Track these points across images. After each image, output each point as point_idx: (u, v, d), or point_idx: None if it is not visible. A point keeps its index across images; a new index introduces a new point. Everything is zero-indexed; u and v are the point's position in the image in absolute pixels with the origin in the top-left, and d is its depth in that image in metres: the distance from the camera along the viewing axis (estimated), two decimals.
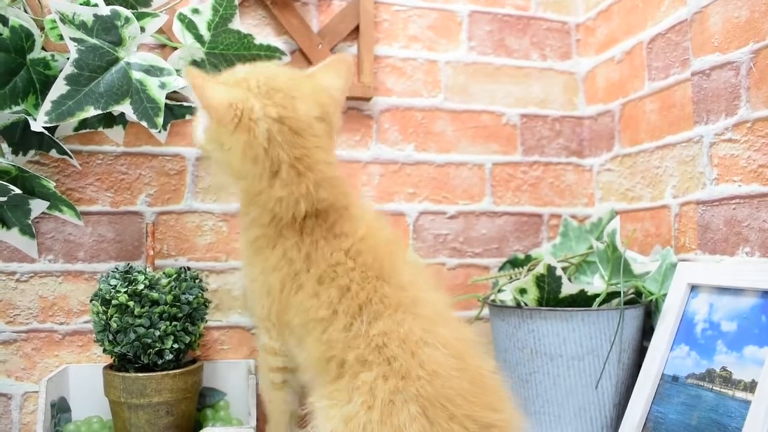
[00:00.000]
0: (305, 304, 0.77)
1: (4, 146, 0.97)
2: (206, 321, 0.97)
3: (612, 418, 0.97)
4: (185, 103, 1.01)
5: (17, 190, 0.87)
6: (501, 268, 1.21)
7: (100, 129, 1.03)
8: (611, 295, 0.97)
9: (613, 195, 1.23)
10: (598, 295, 0.97)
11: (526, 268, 1.06)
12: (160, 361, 0.90)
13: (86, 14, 0.87)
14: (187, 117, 1.03)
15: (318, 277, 0.76)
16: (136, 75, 0.90)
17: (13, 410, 1.01)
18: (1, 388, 1.01)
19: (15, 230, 0.98)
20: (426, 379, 0.67)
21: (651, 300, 1.01)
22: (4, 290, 1.02)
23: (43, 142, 0.98)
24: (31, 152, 0.99)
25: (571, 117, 1.31)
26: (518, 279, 1.01)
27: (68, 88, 0.86)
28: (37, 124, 0.85)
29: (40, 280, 1.03)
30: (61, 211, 0.98)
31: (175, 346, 0.90)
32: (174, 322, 0.90)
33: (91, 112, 0.87)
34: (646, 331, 1.02)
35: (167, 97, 1.00)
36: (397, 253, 0.79)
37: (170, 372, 0.90)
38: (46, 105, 0.85)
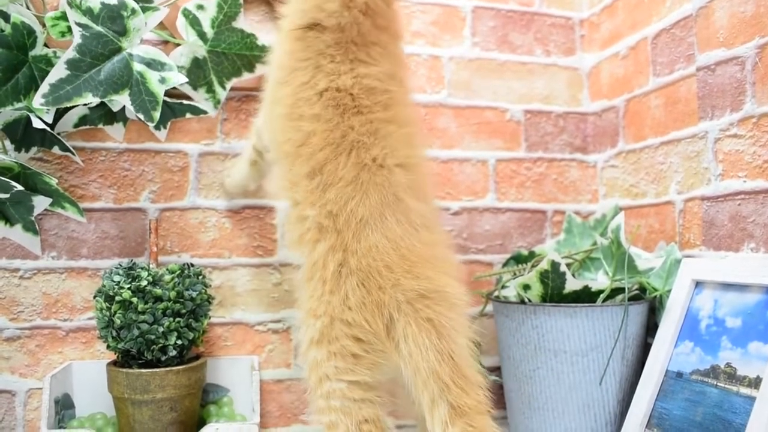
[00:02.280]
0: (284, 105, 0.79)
1: (7, 143, 0.97)
2: (209, 317, 0.97)
3: (616, 414, 0.97)
4: (185, 102, 1.01)
5: (20, 187, 0.87)
6: (505, 265, 1.21)
7: (101, 126, 1.03)
8: (615, 291, 0.97)
9: (617, 191, 1.23)
10: (602, 291, 0.96)
11: (529, 264, 1.06)
12: (163, 358, 0.90)
13: (94, 1, 0.87)
14: (188, 115, 1.03)
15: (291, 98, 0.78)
16: (138, 67, 0.89)
17: (17, 407, 1.01)
18: (5, 384, 1.01)
19: (18, 227, 0.98)
20: (361, 253, 0.73)
21: (655, 296, 1.00)
22: (7, 287, 1.02)
23: (46, 138, 0.97)
24: (34, 149, 0.99)
25: (575, 113, 1.30)
26: (522, 275, 1.01)
27: (68, 72, 0.86)
28: (38, 121, 0.85)
29: (44, 277, 1.03)
30: (63, 207, 0.98)
31: (179, 342, 0.90)
32: (177, 319, 0.90)
33: (89, 99, 0.86)
34: (650, 327, 1.01)
35: (169, 95, 1.00)
36: (385, 125, 0.77)
37: (174, 368, 0.90)
38: (44, 87, 0.85)
